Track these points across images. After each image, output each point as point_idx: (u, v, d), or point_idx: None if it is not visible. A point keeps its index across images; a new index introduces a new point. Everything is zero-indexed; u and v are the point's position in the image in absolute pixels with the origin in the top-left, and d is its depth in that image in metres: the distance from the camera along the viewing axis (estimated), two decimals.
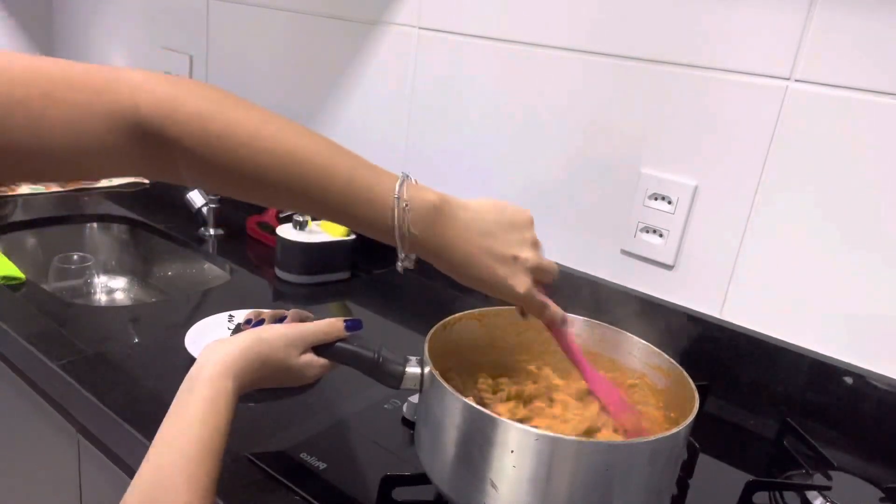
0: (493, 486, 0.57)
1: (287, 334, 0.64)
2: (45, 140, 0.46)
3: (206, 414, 0.55)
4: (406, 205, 0.56)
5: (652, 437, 0.57)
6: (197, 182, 0.55)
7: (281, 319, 0.69)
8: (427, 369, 0.63)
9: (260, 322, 0.68)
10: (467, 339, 0.73)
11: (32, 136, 0.45)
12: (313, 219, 1.22)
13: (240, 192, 0.55)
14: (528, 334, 0.76)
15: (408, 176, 0.58)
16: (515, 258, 0.61)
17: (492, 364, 0.75)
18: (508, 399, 0.69)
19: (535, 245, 0.63)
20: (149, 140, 0.49)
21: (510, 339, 0.75)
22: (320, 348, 0.66)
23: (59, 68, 0.46)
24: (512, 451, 0.55)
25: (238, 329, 0.68)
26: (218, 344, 0.61)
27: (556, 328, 0.67)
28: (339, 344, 0.66)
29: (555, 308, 0.66)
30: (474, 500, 0.58)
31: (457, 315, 0.71)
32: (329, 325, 0.67)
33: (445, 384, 0.59)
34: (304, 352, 0.65)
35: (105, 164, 0.50)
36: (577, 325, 0.75)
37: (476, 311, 0.73)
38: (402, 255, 0.59)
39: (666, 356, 0.70)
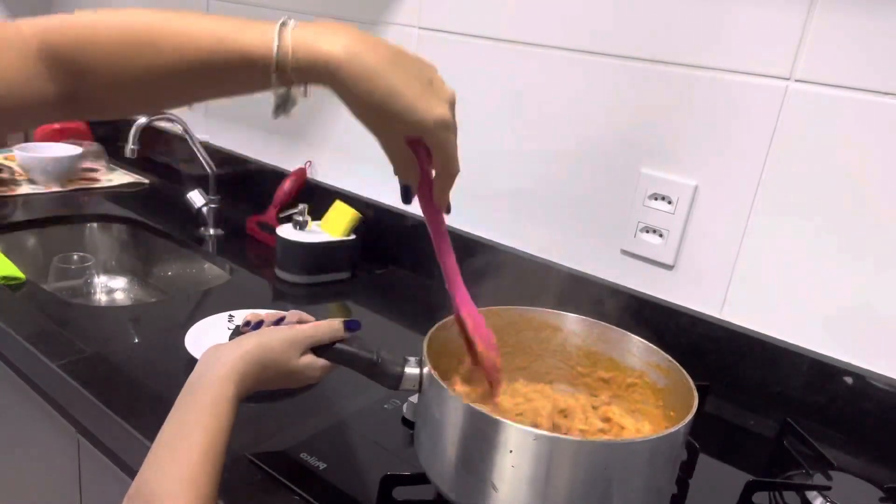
0: (493, 486, 0.57)
1: (287, 336, 0.64)
2: None
3: (206, 419, 0.55)
4: (294, 23, 0.52)
5: (651, 437, 0.57)
6: (99, 108, 0.58)
7: (280, 321, 0.69)
8: (426, 370, 0.63)
9: (259, 324, 0.68)
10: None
11: None
12: (314, 218, 1.22)
13: (141, 98, 0.57)
14: (525, 334, 0.76)
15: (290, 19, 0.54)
16: (431, 81, 0.55)
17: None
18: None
19: (449, 89, 0.57)
20: (51, 69, 0.53)
21: (509, 339, 0.75)
22: (320, 349, 0.66)
23: None
24: (511, 451, 0.55)
25: (237, 332, 0.68)
26: (218, 348, 0.61)
27: (437, 212, 0.61)
28: (338, 345, 0.66)
29: (447, 187, 0.59)
30: (474, 500, 0.58)
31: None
32: (328, 325, 0.67)
33: (444, 385, 0.59)
34: (304, 353, 0.65)
35: (21, 107, 0.53)
36: (577, 324, 0.75)
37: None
38: (279, 89, 0.53)
39: (665, 355, 0.70)
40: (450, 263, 0.64)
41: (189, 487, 0.50)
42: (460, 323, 0.65)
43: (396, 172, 0.59)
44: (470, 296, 0.65)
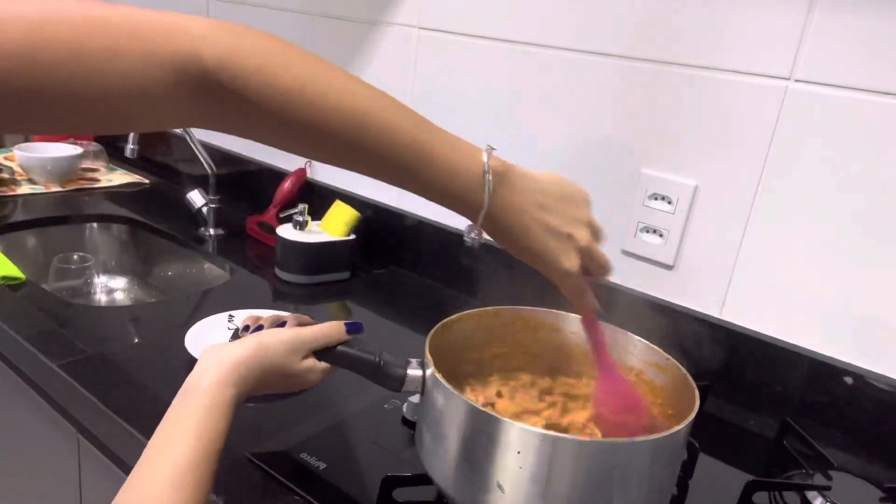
0: (500, 487, 0.57)
1: (288, 339, 0.63)
2: (107, 91, 0.44)
3: (201, 423, 0.54)
4: (490, 177, 0.56)
5: (655, 436, 0.57)
6: (254, 135, 0.52)
7: (280, 325, 0.68)
8: (429, 371, 0.62)
9: (259, 328, 0.67)
10: (466, 340, 0.73)
11: (95, 87, 0.43)
12: (314, 219, 1.22)
13: (299, 147, 0.54)
14: (524, 333, 0.76)
15: (493, 149, 0.58)
16: (570, 236, 0.60)
17: (490, 363, 0.75)
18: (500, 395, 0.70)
19: (592, 227, 0.62)
20: (210, 92, 0.47)
21: (507, 339, 0.76)
22: (321, 352, 0.65)
23: (121, 17, 0.44)
24: (518, 453, 0.55)
25: (236, 336, 0.67)
26: (218, 349, 0.60)
27: (588, 320, 0.66)
28: (339, 348, 0.66)
29: (592, 298, 0.64)
30: (480, 501, 0.58)
31: (455, 316, 0.71)
32: (330, 328, 0.66)
33: (449, 386, 0.59)
34: (306, 357, 0.64)
35: (164, 115, 0.48)
36: (576, 324, 0.75)
37: (474, 311, 0.73)
38: (478, 227, 0.58)
39: (664, 353, 0.70)
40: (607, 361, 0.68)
41: (178, 492, 0.49)
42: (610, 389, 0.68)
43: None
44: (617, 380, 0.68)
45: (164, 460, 0.51)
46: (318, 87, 0.51)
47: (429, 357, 0.63)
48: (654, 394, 0.71)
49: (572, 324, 0.75)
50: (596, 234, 0.63)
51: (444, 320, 0.69)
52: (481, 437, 0.57)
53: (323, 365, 0.65)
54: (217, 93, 0.48)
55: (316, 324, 0.68)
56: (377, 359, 0.65)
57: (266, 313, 0.98)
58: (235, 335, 0.67)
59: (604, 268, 0.64)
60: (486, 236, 0.59)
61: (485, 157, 0.56)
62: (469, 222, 0.58)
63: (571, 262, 0.60)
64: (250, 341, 0.61)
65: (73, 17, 0.42)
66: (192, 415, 0.54)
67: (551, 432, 0.56)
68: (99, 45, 0.43)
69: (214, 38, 0.47)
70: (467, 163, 0.56)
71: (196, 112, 0.49)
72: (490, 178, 0.56)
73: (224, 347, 0.61)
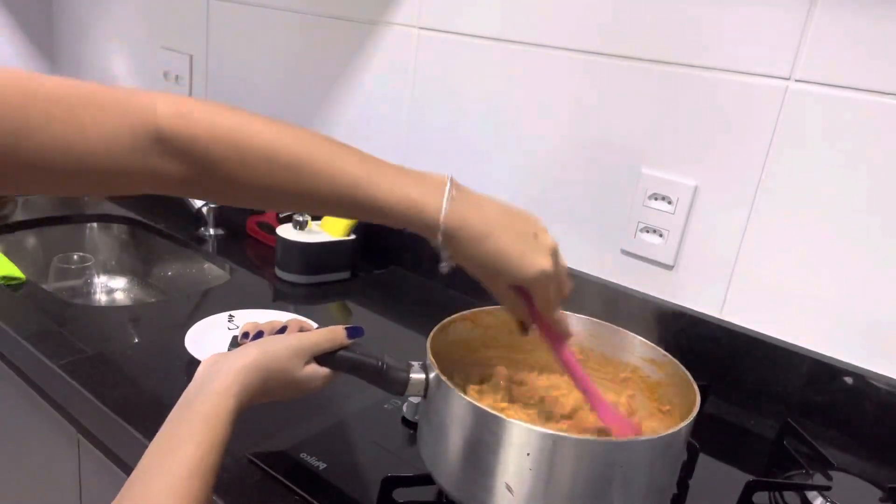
0: (509, 488, 0.57)
1: (290, 346, 0.62)
2: (77, 157, 0.48)
3: (200, 433, 0.53)
4: (450, 185, 0.58)
5: (661, 434, 0.57)
6: (215, 196, 0.56)
7: (281, 331, 0.67)
8: (433, 374, 0.62)
9: (258, 335, 0.66)
10: (463, 341, 0.73)
11: (65, 154, 0.47)
12: (314, 218, 1.22)
13: (262, 202, 0.58)
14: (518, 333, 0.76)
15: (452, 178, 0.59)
16: (536, 235, 0.60)
17: (487, 363, 0.75)
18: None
19: (551, 238, 0.62)
20: (173, 156, 0.51)
21: (504, 339, 0.76)
22: (322, 358, 0.65)
23: (89, 89, 0.49)
24: (528, 454, 0.55)
25: (234, 343, 0.66)
26: (219, 358, 0.60)
27: (557, 340, 0.65)
28: (341, 353, 0.65)
29: (563, 315, 0.64)
30: (488, 503, 0.58)
31: (452, 317, 0.71)
32: (330, 332, 0.65)
33: (455, 389, 0.59)
34: (308, 363, 0.64)
35: (131, 181, 0.52)
36: (573, 322, 0.75)
37: (470, 311, 0.73)
38: (446, 255, 0.59)
39: (660, 350, 0.70)
40: (587, 385, 0.66)
41: (174, 503, 0.49)
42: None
43: (507, 311, 0.65)
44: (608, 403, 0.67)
45: (162, 469, 0.51)
46: (268, 138, 0.54)
47: (431, 360, 0.63)
48: (650, 390, 0.71)
49: (568, 320, 0.75)
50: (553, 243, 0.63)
51: (441, 322, 0.69)
52: (489, 439, 0.57)
53: (325, 371, 0.65)
54: (178, 156, 0.52)
55: (316, 327, 0.68)
56: (379, 363, 0.65)
57: (265, 316, 0.98)
58: (234, 343, 0.67)
59: (566, 282, 0.63)
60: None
61: (446, 178, 0.58)
62: (443, 253, 0.59)
63: (546, 260, 0.60)
64: (251, 350, 0.60)
65: (43, 87, 0.46)
66: (192, 424, 0.54)
67: (560, 433, 0.56)
68: (70, 113, 0.47)
69: (170, 105, 0.51)
70: (421, 177, 0.58)
71: (164, 178, 0.52)
72: (450, 186, 0.58)
73: (225, 357, 0.60)
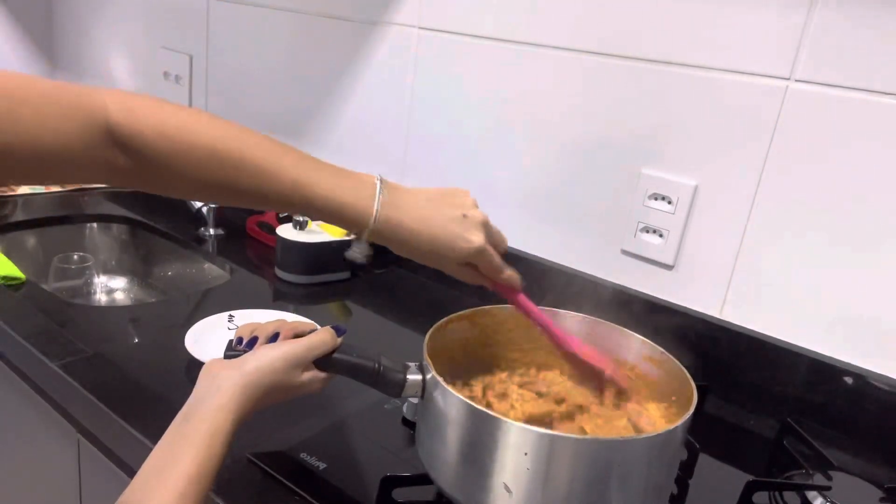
0: (507, 488, 0.57)
1: (287, 357, 0.62)
2: (41, 151, 0.50)
3: (199, 449, 0.54)
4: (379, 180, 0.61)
5: (661, 431, 0.57)
6: (162, 188, 0.58)
7: (274, 337, 0.66)
8: (429, 375, 0.62)
9: (253, 340, 0.66)
10: (461, 340, 0.73)
11: (32, 149, 0.49)
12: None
13: (206, 197, 0.61)
14: (517, 332, 0.76)
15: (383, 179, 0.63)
16: (465, 215, 0.64)
17: (486, 363, 0.75)
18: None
19: (480, 211, 0.66)
20: (121, 150, 0.54)
21: (500, 338, 0.76)
22: (319, 362, 0.65)
23: (49, 87, 0.52)
24: (525, 454, 0.55)
25: (230, 348, 0.66)
26: (220, 371, 0.60)
27: (513, 293, 0.69)
28: (337, 355, 0.65)
29: (511, 269, 0.67)
30: (486, 503, 0.58)
31: (449, 317, 0.71)
32: (323, 334, 0.66)
33: (451, 390, 0.59)
34: (307, 369, 0.64)
35: (87, 173, 0.55)
36: (571, 321, 0.76)
37: (467, 311, 0.73)
38: (364, 241, 0.63)
39: (659, 348, 0.70)
40: (548, 323, 0.71)
41: None
42: (576, 359, 0.71)
43: (464, 282, 0.68)
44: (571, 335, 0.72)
45: (159, 483, 0.52)
46: (210, 133, 0.57)
47: (428, 360, 0.63)
48: (648, 388, 0.71)
49: (568, 321, 0.75)
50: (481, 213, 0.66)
51: (438, 322, 0.69)
52: (487, 439, 0.57)
53: (322, 375, 0.65)
54: (125, 151, 0.54)
55: (312, 326, 0.67)
56: (376, 365, 0.65)
57: (265, 317, 0.98)
58: (229, 348, 0.66)
59: (502, 240, 0.68)
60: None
61: (376, 179, 0.62)
62: (354, 237, 0.63)
63: (478, 236, 0.64)
64: (249, 366, 0.60)
65: (6, 86, 0.49)
66: (190, 438, 0.54)
67: (557, 433, 0.56)
68: (36, 115, 0.49)
69: (120, 100, 0.54)
70: (353, 179, 0.62)
71: (112, 169, 0.55)
72: (380, 187, 0.61)
73: (224, 370, 0.60)
